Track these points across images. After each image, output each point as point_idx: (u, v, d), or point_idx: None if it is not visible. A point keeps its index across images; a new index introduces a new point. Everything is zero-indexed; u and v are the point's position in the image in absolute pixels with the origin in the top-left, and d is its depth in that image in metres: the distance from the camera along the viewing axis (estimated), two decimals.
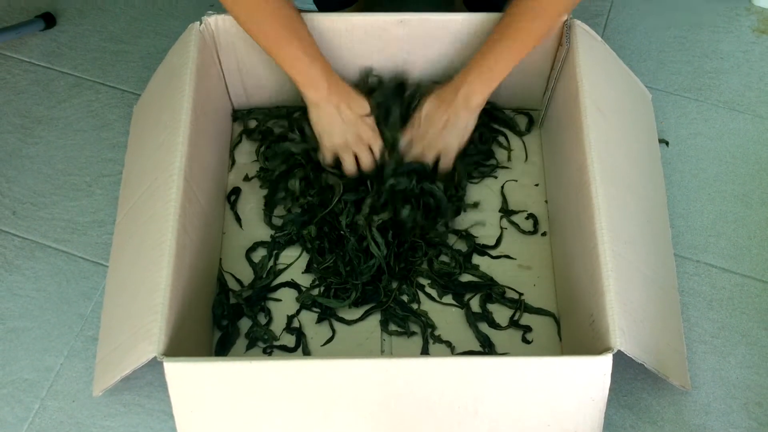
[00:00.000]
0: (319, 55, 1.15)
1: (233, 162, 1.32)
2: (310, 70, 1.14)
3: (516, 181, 1.30)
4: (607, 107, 1.13)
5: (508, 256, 1.23)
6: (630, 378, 1.14)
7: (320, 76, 1.15)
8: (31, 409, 1.13)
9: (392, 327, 1.17)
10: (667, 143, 1.35)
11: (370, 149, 1.21)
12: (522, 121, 1.36)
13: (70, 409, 1.13)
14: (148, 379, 1.13)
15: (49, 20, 1.49)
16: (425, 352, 1.15)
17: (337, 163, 1.22)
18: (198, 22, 1.17)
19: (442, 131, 1.20)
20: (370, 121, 1.21)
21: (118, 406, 1.12)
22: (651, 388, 1.13)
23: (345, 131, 1.19)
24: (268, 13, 1.10)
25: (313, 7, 1.38)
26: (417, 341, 1.16)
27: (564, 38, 1.17)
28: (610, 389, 0.95)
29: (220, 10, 1.17)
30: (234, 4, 1.10)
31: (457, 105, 1.18)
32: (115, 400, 1.13)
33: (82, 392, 1.14)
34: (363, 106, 1.19)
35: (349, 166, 1.21)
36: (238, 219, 1.26)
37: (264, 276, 1.20)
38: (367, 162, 1.21)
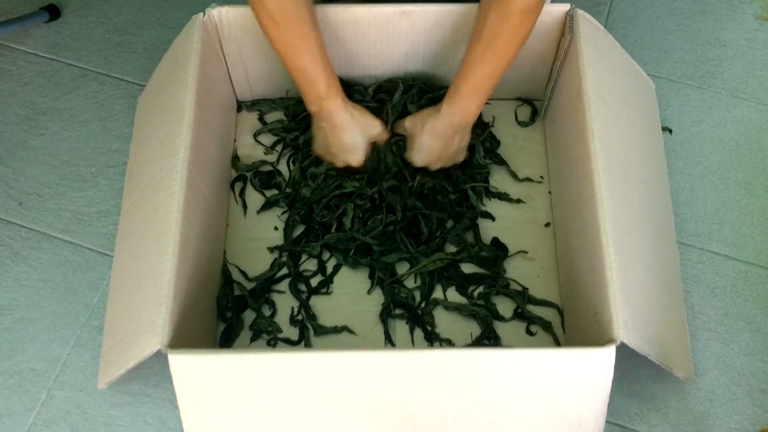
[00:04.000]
0: (326, 70, 1.11)
1: (237, 155, 1.32)
2: (317, 82, 1.11)
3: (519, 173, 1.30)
4: (610, 96, 1.13)
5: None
6: (634, 366, 1.13)
7: (321, 94, 1.11)
8: (38, 398, 1.14)
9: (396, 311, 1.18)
10: (670, 131, 1.35)
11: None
12: (525, 111, 1.36)
13: (76, 398, 1.13)
14: (155, 369, 1.14)
15: (53, 12, 1.49)
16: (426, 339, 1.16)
17: None
18: (201, 14, 1.17)
19: (442, 159, 1.19)
20: (360, 157, 1.19)
21: (125, 396, 1.13)
22: (655, 375, 1.14)
23: (333, 155, 1.19)
24: (290, 20, 1.05)
25: None
26: (420, 334, 1.16)
27: (567, 28, 1.17)
28: (615, 377, 0.95)
29: (224, 1, 1.18)
30: (255, 3, 1.05)
31: (454, 133, 1.16)
32: (122, 389, 1.13)
33: (89, 382, 1.14)
34: (354, 149, 1.17)
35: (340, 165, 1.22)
36: (245, 206, 1.27)
37: (269, 268, 1.21)
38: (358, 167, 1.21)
